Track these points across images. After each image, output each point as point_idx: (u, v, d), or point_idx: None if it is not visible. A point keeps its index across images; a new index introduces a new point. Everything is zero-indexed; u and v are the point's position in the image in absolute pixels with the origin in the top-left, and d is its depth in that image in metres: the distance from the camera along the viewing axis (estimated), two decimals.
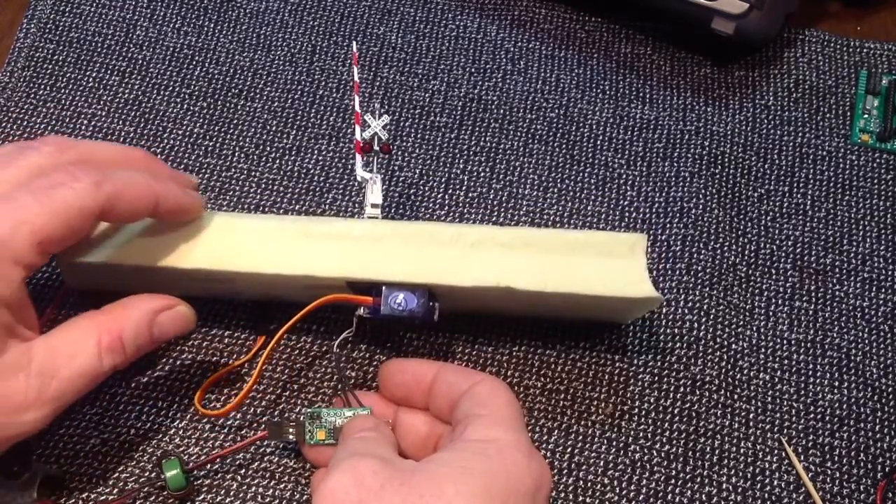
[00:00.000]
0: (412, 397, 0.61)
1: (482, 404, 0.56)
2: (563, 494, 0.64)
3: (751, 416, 0.67)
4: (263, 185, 0.76)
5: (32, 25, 0.83)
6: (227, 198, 0.75)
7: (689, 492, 0.64)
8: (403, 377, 0.61)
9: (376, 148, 0.66)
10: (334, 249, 0.61)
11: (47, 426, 0.55)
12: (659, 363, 0.69)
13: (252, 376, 0.64)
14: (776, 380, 0.69)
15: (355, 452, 0.53)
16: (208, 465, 0.63)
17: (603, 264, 0.62)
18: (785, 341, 0.71)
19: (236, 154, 0.77)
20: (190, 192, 0.62)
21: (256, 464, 0.64)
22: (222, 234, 0.62)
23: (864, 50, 0.85)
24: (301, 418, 0.62)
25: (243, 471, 0.63)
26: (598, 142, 0.80)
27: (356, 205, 0.75)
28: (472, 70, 0.83)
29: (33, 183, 0.54)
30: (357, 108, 0.66)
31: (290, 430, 0.62)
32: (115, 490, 0.62)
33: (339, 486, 0.50)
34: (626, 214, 0.76)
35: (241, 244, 0.62)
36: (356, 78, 0.67)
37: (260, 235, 0.62)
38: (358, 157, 0.65)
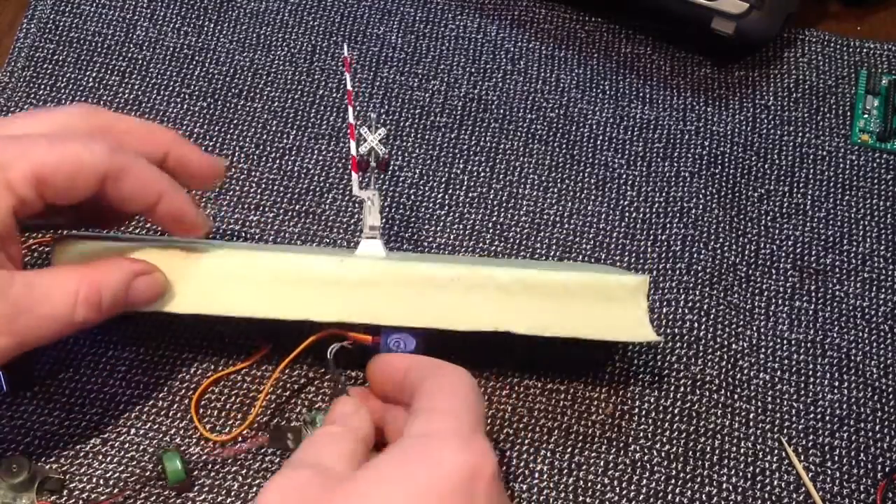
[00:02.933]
0: (394, 393, 0.60)
1: (430, 395, 0.54)
2: (563, 494, 0.64)
3: (751, 416, 0.67)
4: (263, 185, 0.76)
5: (32, 25, 0.83)
6: (227, 198, 0.75)
7: (689, 492, 0.64)
8: (383, 373, 0.61)
9: (373, 164, 0.65)
10: (331, 294, 0.61)
11: (4, 363, 0.54)
12: (659, 363, 0.69)
13: (257, 403, 0.65)
14: (776, 380, 0.69)
15: (295, 461, 0.52)
16: (209, 466, 0.63)
17: (603, 308, 0.62)
18: (785, 341, 0.71)
19: (236, 154, 0.77)
20: (199, 211, 0.61)
21: (258, 464, 0.64)
22: (217, 277, 0.61)
23: (864, 50, 0.85)
24: (298, 424, 0.63)
25: (244, 471, 0.63)
26: (598, 142, 0.80)
27: (356, 205, 0.75)
28: (472, 70, 0.83)
29: (52, 134, 0.55)
30: (351, 119, 0.64)
31: (290, 436, 0.62)
32: (116, 490, 0.62)
33: (265, 500, 0.49)
34: (626, 214, 0.76)
35: (237, 288, 0.61)
36: (349, 86, 0.65)
37: (256, 280, 0.61)
38: (354, 174, 0.64)
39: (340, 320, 0.61)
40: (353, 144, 0.64)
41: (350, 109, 0.64)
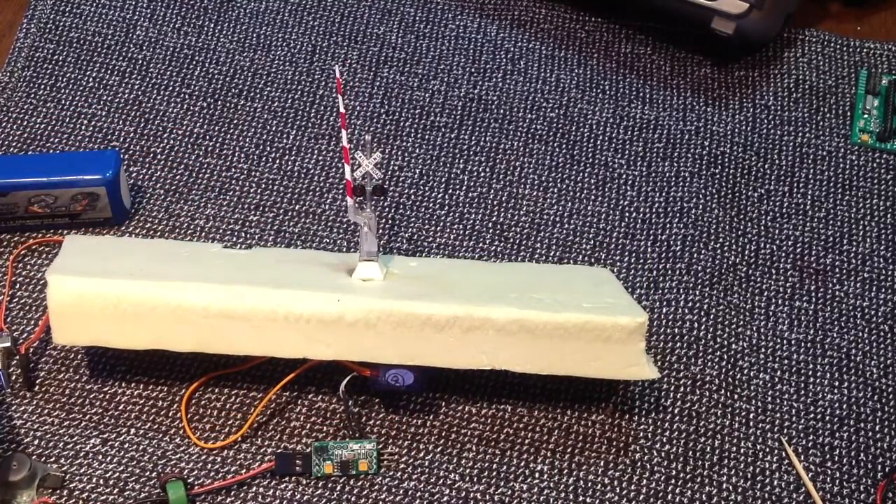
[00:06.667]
0: None
1: None
2: (563, 494, 0.64)
3: (751, 416, 0.67)
4: (263, 185, 0.76)
5: (32, 25, 0.83)
6: (227, 198, 0.75)
7: (689, 492, 0.64)
8: None
9: (369, 189, 0.64)
10: (329, 334, 0.61)
11: None
12: (659, 363, 0.69)
13: (250, 418, 0.65)
14: (776, 380, 0.69)
15: None
16: (209, 466, 0.63)
17: (601, 349, 0.62)
18: (785, 341, 0.71)
19: (236, 154, 0.77)
20: None
21: (257, 464, 0.64)
22: (215, 316, 0.61)
23: (864, 50, 0.85)
24: (308, 451, 0.63)
25: (244, 471, 0.63)
26: (598, 142, 0.80)
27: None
28: (472, 70, 0.83)
29: None
30: (345, 142, 0.63)
31: (298, 462, 0.63)
32: (115, 490, 0.62)
33: None
34: (626, 214, 0.76)
35: (234, 326, 0.61)
36: (342, 108, 0.64)
37: (253, 318, 0.61)
38: (349, 199, 0.63)
39: (338, 359, 0.62)
40: (347, 168, 0.63)
41: (343, 133, 0.63)
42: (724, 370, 0.69)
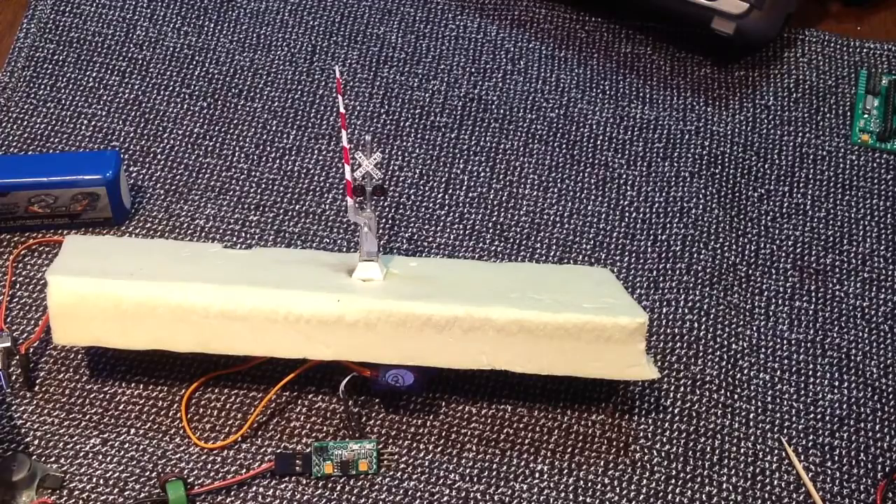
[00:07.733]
0: None
1: None
2: (563, 494, 0.64)
3: (751, 416, 0.67)
4: (263, 185, 0.76)
5: (32, 25, 0.83)
6: (227, 198, 0.75)
7: (689, 492, 0.64)
8: None
9: (369, 189, 0.65)
10: (329, 334, 0.61)
11: None
12: (659, 363, 0.69)
13: (252, 414, 0.65)
14: (776, 380, 0.69)
15: None
16: (209, 466, 0.63)
17: (601, 349, 0.62)
18: (785, 341, 0.71)
19: (236, 154, 0.77)
20: None
21: (257, 464, 0.64)
22: (215, 316, 0.61)
23: (864, 50, 0.85)
24: (308, 451, 0.63)
25: (244, 471, 0.63)
26: (598, 142, 0.80)
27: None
28: (472, 70, 0.83)
29: None
30: (345, 142, 0.63)
31: (298, 462, 0.63)
32: (115, 490, 0.62)
33: None
34: (626, 214, 0.76)
35: (236, 329, 0.61)
36: (342, 108, 0.64)
37: (253, 318, 0.61)
38: (349, 199, 0.64)
39: (338, 359, 0.62)
40: (347, 169, 0.64)
41: (343, 133, 0.64)
42: (724, 370, 0.69)
